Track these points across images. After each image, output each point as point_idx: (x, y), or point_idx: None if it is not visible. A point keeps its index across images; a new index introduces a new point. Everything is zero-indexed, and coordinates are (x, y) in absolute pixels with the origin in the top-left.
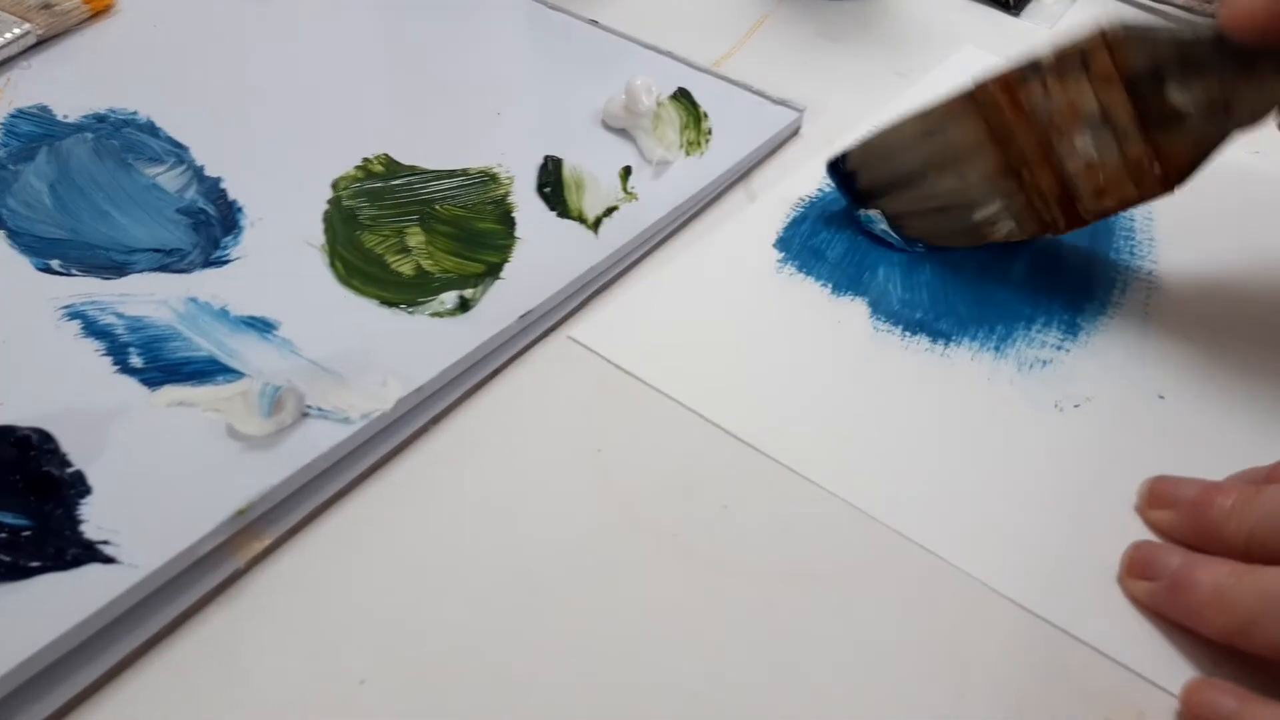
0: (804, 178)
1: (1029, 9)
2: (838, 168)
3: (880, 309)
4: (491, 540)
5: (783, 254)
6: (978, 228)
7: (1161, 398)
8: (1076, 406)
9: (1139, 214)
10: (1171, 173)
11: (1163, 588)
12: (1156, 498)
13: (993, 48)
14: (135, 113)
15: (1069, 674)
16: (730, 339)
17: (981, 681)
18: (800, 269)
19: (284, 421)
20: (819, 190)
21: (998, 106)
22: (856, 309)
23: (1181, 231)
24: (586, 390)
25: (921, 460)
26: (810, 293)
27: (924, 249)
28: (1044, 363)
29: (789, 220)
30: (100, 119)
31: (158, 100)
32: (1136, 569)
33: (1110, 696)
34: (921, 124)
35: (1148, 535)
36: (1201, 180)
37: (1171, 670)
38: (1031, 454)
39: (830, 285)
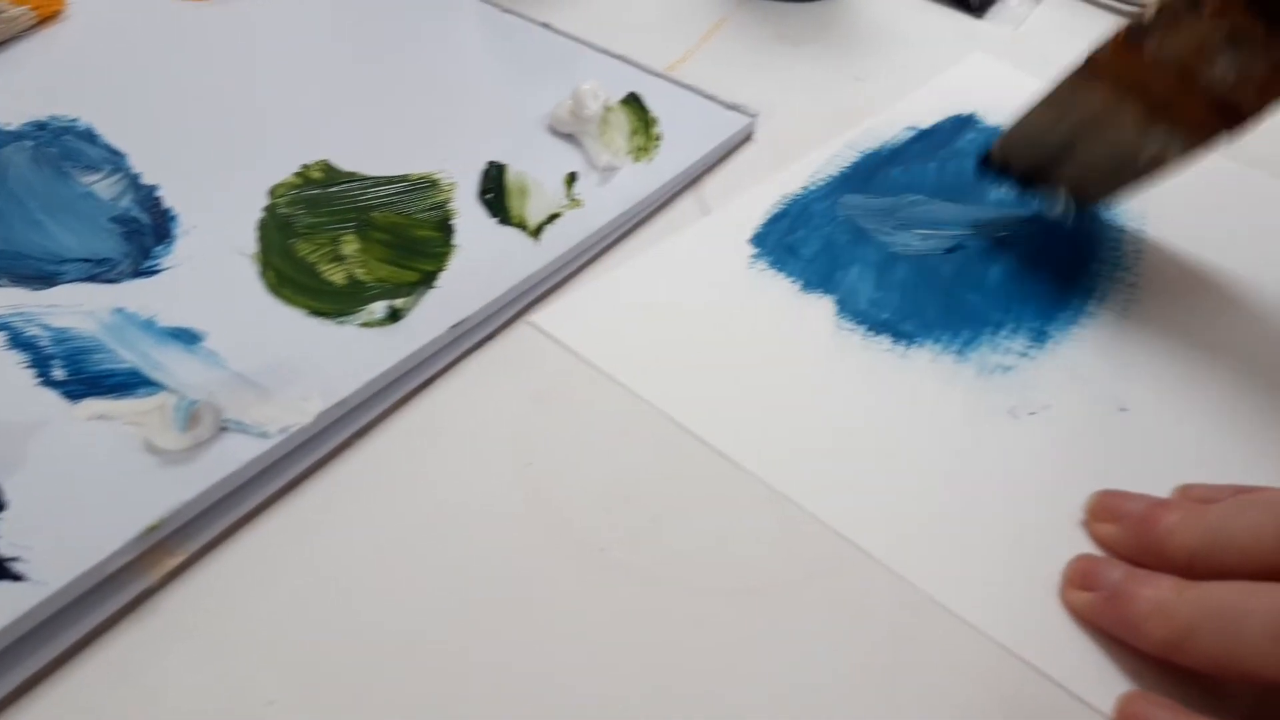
0: (789, 177)
1: (992, 11)
2: (989, 166)
3: (847, 307)
4: (413, 558)
5: (757, 249)
6: (1149, 166)
7: (1124, 410)
8: (1032, 414)
9: (1128, 225)
10: None
11: (1102, 599)
12: (1102, 511)
13: (955, 51)
14: (75, 120)
15: (1003, 696)
16: (692, 332)
17: (913, 699)
18: (772, 264)
19: (200, 436)
20: (803, 188)
21: (1120, 69)
22: (823, 306)
23: (1170, 246)
24: (518, 404)
25: (869, 461)
26: (779, 289)
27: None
28: (1006, 369)
29: (768, 217)
30: (40, 126)
31: (100, 107)
32: (1078, 580)
33: (1044, 715)
34: (1048, 108)
35: (1093, 548)
36: (1200, 194)
37: (1108, 692)
38: (981, 460)
39: (801, 282)
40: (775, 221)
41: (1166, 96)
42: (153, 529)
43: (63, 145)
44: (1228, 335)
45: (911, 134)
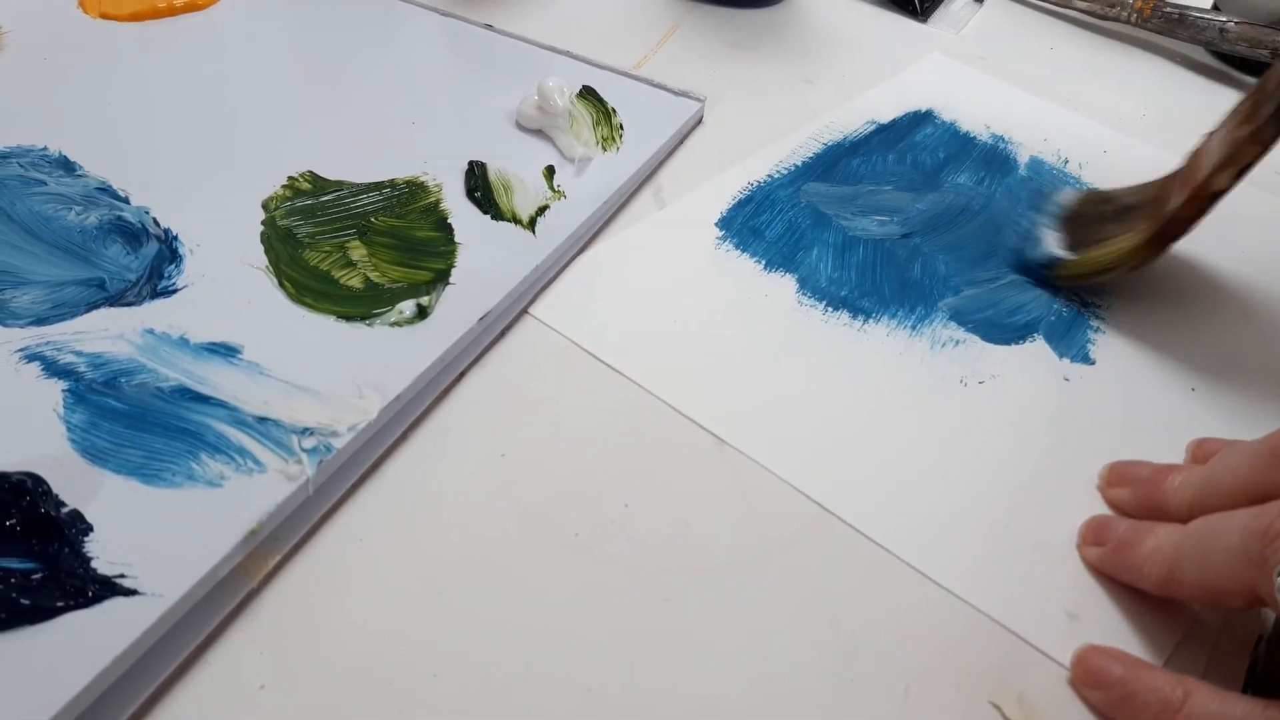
0: (757, 162)
1: (936, 15)
2: None
3: (808, 285)
4: (407, 554)
5: (723, 232)
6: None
7: (1067, 380)
8: (981, 383)
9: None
10: None
11: (1110, 550)
12: (1115, 477)
13: (901, 53)
14: (45, 148)
15: (955, 657)
16: (663, 310)
17: (871, 664)
18: (737, 246)
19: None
20: (768, 175)
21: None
22: (785, 284)
23: None
24: (492, 396)
25: (828, 426)
26: (743, 268)
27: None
28: (956, 342)
29: (734, 201)
30: (5, 157)
31: (64, 135)
32: (1090, 536)
33: (993, 678)
34: None
35: (1036, 501)
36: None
37: (1066, 643)
38: (932, 423)
39: (764, 262)
40: (740, 206)
41: None
42: (253, 533)
43: (43, 173)
44: (1163, 316)
45: (872, 128)
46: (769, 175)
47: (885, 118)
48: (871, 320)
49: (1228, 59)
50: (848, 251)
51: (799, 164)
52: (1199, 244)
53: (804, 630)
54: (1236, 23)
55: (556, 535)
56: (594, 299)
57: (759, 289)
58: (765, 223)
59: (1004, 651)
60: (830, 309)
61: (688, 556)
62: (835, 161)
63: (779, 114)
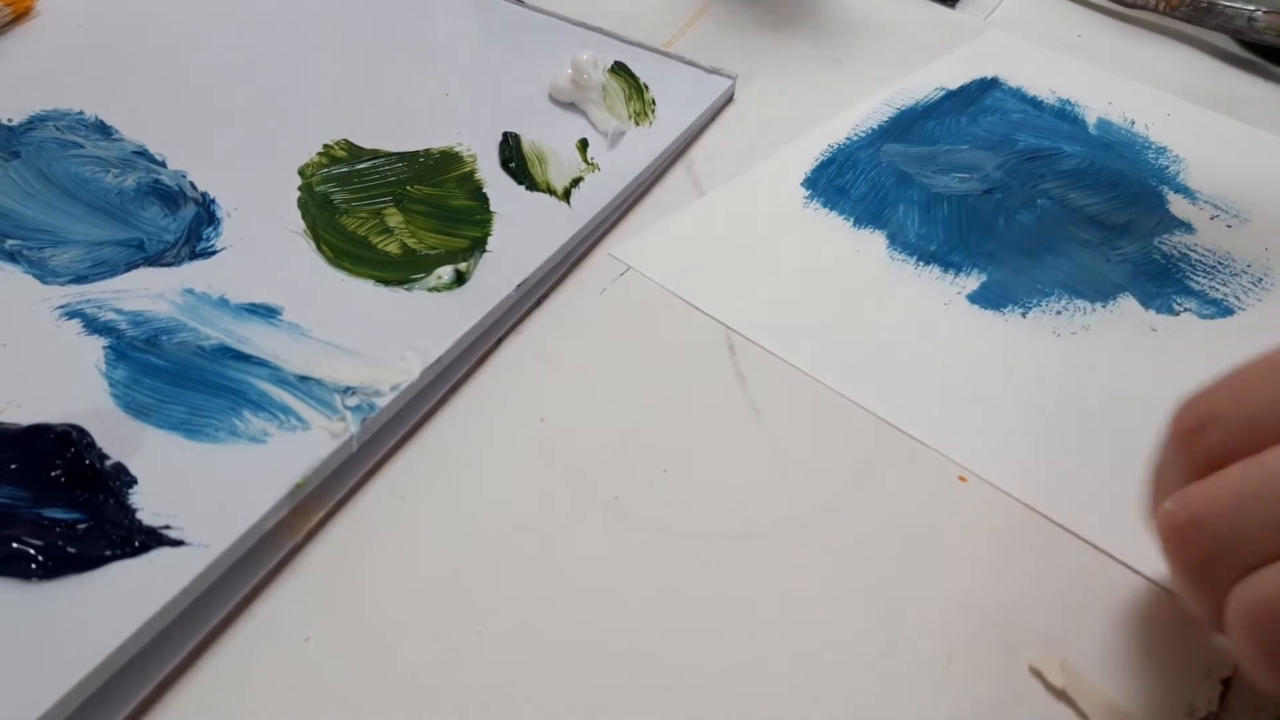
0: (836, 126)
1: (964, 1)
2: None
3: (897, 241)
4: (448, 513)
5: (809, 191)
6: None
7: (1154, 330)
8: (1073, 334)
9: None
10: None
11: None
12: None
13: (929, 37)
14: (81, 112)
15: (997, 624)
16: (756, 260)
17: (912, 632)
18: (825, 204)
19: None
20: (846, 138)
21: None
22: (875, 240)
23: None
24: (530, 362)
25: (926, 372)
26: (833, 224)
27: None
28: (1047, 294)
29: (817, 162)
30: (41, 120)
31: (100, 100)
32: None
33: (1034, 645)
34: None
35: (1130, 444)
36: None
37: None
38: (1026, 371)
39: (852, 219)
40: (824, 167)
41: None
42: (300, 486)
43: (79, 136)
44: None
45: (941, 93)
46: (847, 138)
47: (953, 84)
48: (963, 274)
49: (1256, 48)
50: (933, 208)
51: (875, 127)
52: None
53: (844, 597)
54: (1265, 12)
55: (596, 498)
56: (684, 248)
57: (850, 243)
58: (849, 182)
59: (1046, 618)
60: (921, 263)
61: (725, 522)
62: (910, 124)
63: (809, 93)
